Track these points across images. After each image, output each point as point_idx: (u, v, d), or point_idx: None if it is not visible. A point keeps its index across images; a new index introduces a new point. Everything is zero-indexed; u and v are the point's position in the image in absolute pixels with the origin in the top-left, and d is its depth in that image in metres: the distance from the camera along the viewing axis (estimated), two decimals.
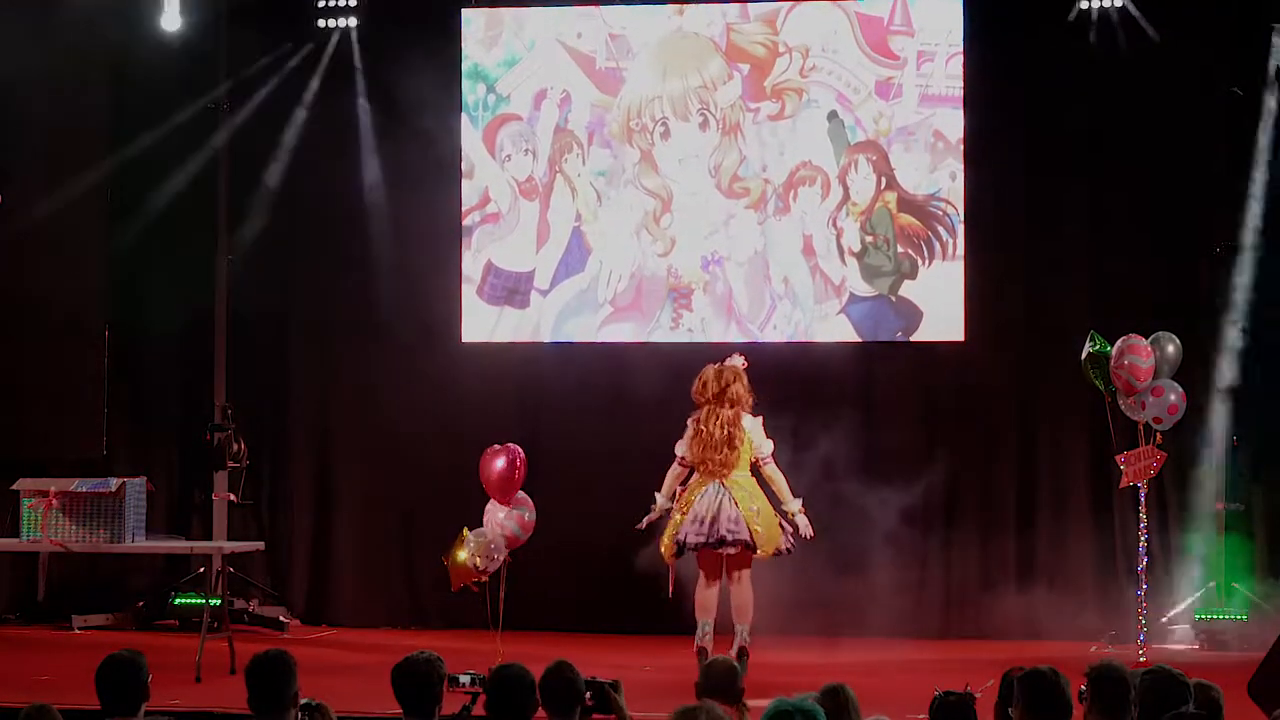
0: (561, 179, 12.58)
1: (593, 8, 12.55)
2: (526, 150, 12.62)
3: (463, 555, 10.05)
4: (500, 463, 10.10)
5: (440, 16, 12.68)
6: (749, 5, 12.42)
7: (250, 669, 5.29)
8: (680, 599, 10.17)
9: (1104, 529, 11.96)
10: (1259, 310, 11.84)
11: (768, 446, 10.05)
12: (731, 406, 9.92)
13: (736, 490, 9.83)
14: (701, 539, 9.79)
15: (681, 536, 9.85)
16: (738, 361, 10.13)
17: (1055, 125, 12.01)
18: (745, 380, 10.01)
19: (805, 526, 10.06)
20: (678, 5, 12.47)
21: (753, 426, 9.97)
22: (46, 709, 5.10)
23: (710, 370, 10.06)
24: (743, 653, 9.78)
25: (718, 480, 9.86)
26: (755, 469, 10.03)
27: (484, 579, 10.08)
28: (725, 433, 9.87)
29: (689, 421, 10.02)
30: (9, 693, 8.44)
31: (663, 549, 10.03)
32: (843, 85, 12.23)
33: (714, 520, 9.76)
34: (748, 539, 9.76)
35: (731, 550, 9.83)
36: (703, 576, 10.02)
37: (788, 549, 10.05)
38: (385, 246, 12.75)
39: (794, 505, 10.08)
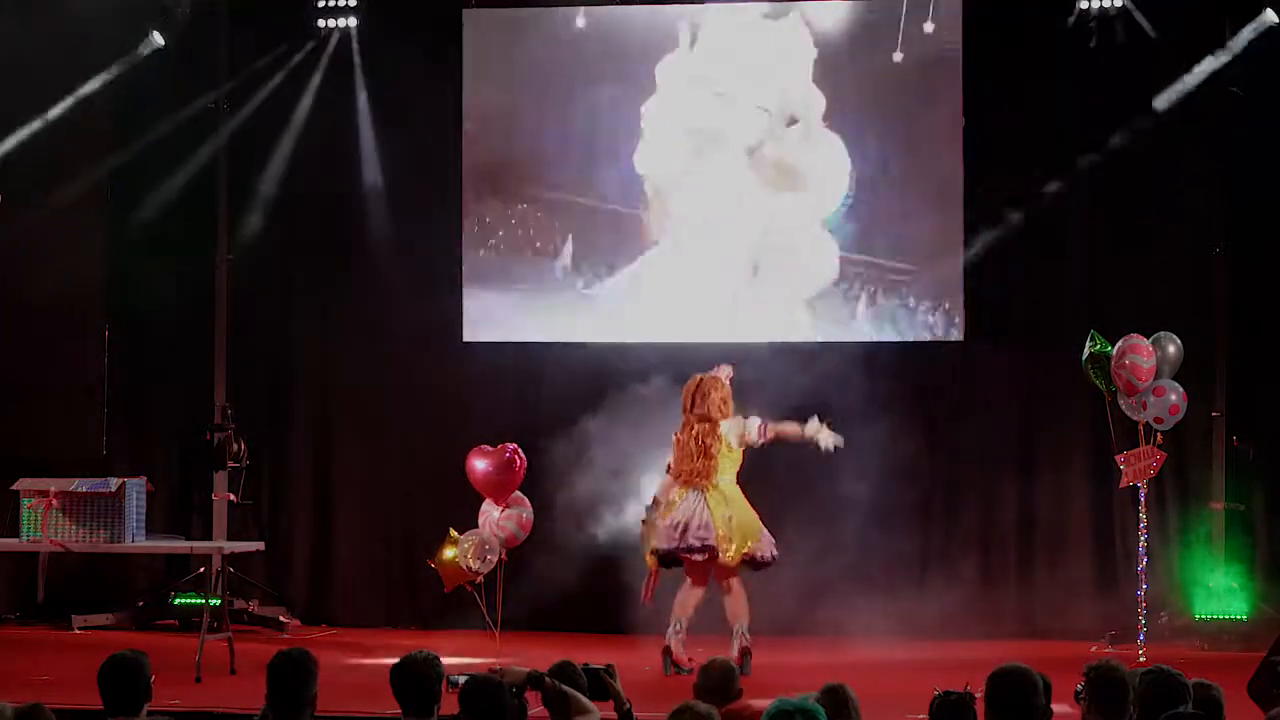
0: None
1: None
2: None
3: (449, 555, 10.05)
4: (483, 464, 10.08)
5: (440, 16, 12.68)
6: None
7: (272, 665, 5.31)
8: (666, 598, 10.20)
9: (1104, 529, 11.96)
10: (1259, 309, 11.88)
11: (753, 429, 10.09)
12: (705, 419, 10.00)
13: (713, 498, 9.93)
14: (672, 545, 9.90)
15: (657, 544, 9.96)
16: (724, 371, 10.19)
17: (1055, 125, 12.01)
18: (724, 390, 10.09)
19: (829, 440, 10.13)
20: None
21: (729, 429, 10.03)
22: (40, 709, 5.09)
23: (693, 381, 10.15)
24: (745, 653, 9.82)
25: (698, 489, 9.93)
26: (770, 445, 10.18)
27: (478, 579, 10.08)
28: (700, 444, 9.98)
29: (674, 434, 10.14)
30: (9, 693, 8.43)
31: (646, 558, 10.13)
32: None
33: (685, 529, 9.85)
34: (714, 544, 9.81)
35: (698, 557, 9.90)
36: (687, 580, 10.08)
37: (767, 558, 10.05)
38: (385, 246, 12.75)
39: (812, 428, 10.15)
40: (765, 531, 10.10)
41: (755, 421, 10.10)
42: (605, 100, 12.46)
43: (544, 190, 12.56)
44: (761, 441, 10.12)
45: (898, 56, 12.07)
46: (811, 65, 12.26)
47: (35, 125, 12.48)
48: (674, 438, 10.15)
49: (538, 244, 12.58)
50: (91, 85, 12.60)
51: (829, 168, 12.24)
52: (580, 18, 12.46)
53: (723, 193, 12.33)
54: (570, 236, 12.51)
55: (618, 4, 12.54)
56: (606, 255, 12.49)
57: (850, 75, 12.24)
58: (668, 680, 9.75)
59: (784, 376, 11.48)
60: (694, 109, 12.37)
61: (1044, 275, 12.13)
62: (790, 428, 10.19)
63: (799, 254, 12.25)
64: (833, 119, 12.23)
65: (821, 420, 10.19)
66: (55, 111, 12.52)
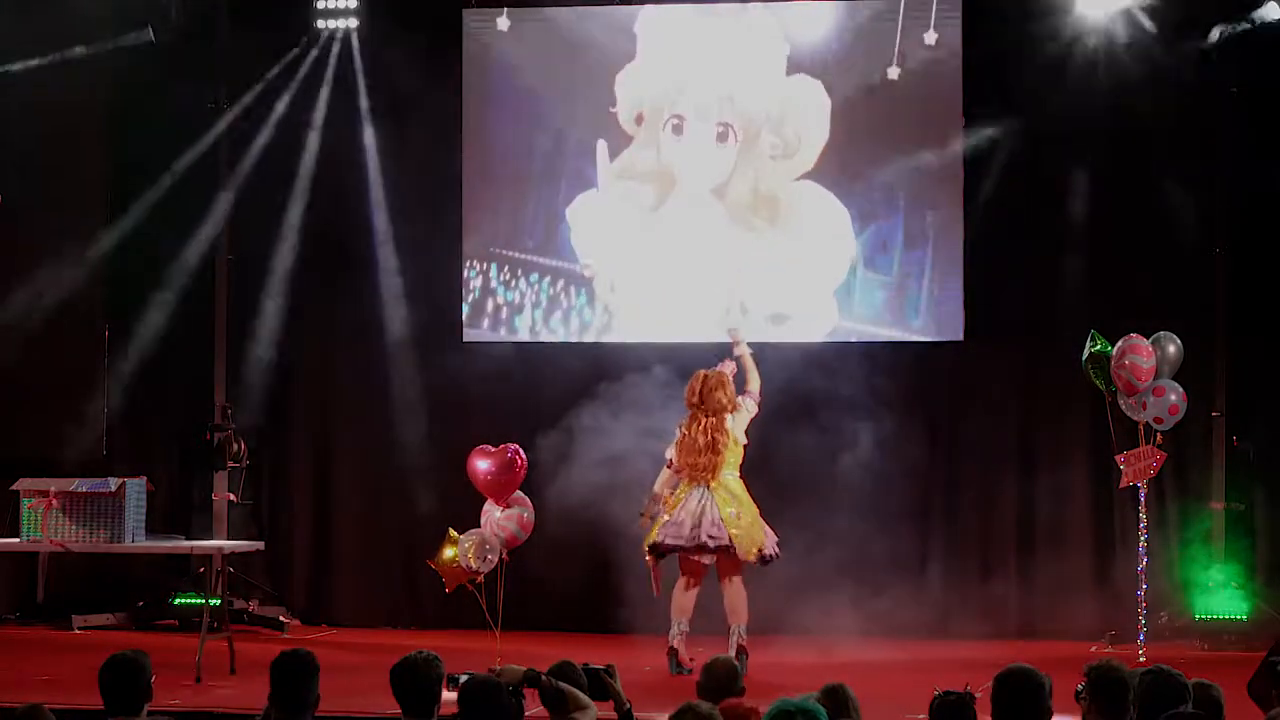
0: None
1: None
2: None
3: (449, 555, 10.05)
4: (484, 464, 10.08)
5: (440, 16, 12.68)
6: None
7: (276, 665, 5.32)
8: (663, 599, 10.20)
9: (1104, 529, 11.96)
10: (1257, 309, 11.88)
11: (752, 405, 10.23)
12: (713, 414, 10.01)
13: (720, 493, 9.96)
14: (681, 543, 9.90)
15: (660, 538, 9.95)
16: (729, 368, 10.22)
17: (1056, 125, 11.99)
18: (729, 387, 10.11)
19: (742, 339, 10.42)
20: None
21: (735, 422, 10.06)
22: (39, 709, 5.09)
23: (698, 376, 10.17)
24: (741, 652, 9.83)
25: (703, 484, 9.95)
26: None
27: (479, 579, 10.08)
28: (707, 438, 10.01)
29: (677, 426, 10.12)
30: (9, 693, 8.43)
31: (645, 550, 10.13)
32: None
33: (695, 525, 9.87)
34: (727, 543, 9.83)
35: (708, 560, 9.92)
36: (682, 579, 10.09)
37: (773, 555, 10.07)
38: (385, 246, 12.74)
39: (737, 341, 10.41)
40: (767, 527, 10.13)
41: (745, 400, 10.18)
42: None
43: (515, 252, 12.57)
44: (760, 400, 10.23)
45: (894, 73, 12.06)
46: (791, 83, 12.28)
47: (35, 124, 12.47)
48: (677, 431, 10.15)
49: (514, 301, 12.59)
50: (91, 84, 12.59)
51: (818, 202, 12.25)
52: (503, 17, 12.45)
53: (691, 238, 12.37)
54: (540, 299, 12.55)
55: (621, 4, 12.54)
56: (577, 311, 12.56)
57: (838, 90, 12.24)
58: (668, 680, 9.75)
59: (784, 376, 11.48)
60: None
61: (1044, 275, 12.12)
62: (749, 367, 10.32)
63: (787, 293, 12.23)
64: (826, 154, 12.24)
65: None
66: (54, 110, 12.50)
